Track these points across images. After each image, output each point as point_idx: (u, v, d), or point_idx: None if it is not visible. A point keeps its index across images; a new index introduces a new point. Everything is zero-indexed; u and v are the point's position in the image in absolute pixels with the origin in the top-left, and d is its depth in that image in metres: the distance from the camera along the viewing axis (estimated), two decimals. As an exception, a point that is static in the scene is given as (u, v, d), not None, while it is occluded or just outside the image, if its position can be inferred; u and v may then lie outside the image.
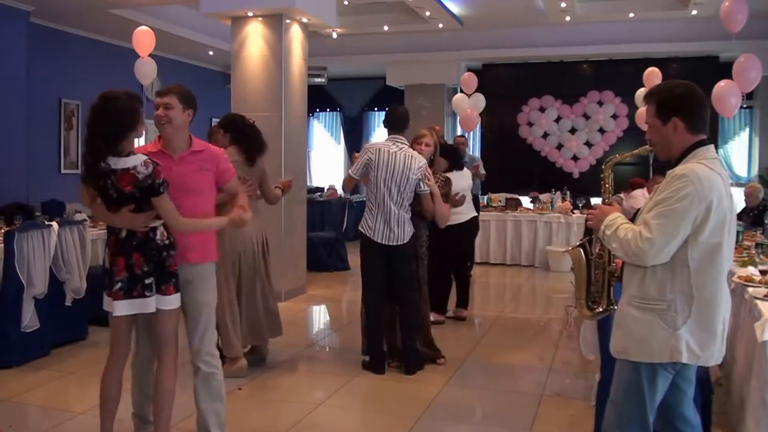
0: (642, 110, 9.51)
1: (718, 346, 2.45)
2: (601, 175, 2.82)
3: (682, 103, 2.48)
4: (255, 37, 7.49)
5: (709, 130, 2.55)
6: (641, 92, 9.29)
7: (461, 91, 10.61)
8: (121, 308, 3.09)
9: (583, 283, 2.88)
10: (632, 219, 2.59)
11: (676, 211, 2.33)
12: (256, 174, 4.79)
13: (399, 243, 4.80)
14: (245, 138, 4.78)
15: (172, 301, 3.19)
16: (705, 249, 2.38)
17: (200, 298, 3.37)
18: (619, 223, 2.49)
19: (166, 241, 3.17)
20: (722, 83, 6.49)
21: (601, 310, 2.85)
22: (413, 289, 4.92)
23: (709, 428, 3.41)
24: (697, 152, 2.45)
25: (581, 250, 2.87)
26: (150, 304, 3.12)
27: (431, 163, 5.12)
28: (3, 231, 5.29)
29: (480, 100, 10.37)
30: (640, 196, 6.78)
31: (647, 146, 2.69)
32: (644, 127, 9.94)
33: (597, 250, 2.82)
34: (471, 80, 10.32)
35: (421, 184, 4.83)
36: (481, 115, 10.61)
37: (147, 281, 3.10)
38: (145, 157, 3.08)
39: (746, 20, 6.47)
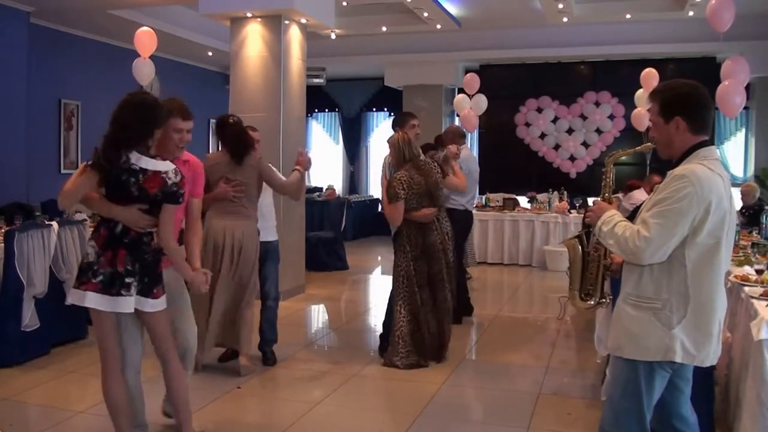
0: (638, 111, 9.56)
1: (714, 347, 2.47)
2: (603, 170, 2.85)
3: (686, 103, 2.48)
4: (254, 38, 7.51)
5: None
6: (640, 93, 9.33)
7: (462, 92, 10.64)
8: (91, 300, 3.04)
9: (577, 274, 2.90)
10: (630, 218, 2.61)
11: (675, 212, 2.34)
12: (247, 174, 4.62)
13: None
14: (227, 138, 4.69)
15: (162, 303, 3.23)
16: (702, 249, 2.39)
17: (182, 293, 3.55)
18: (616, 220, 2.51)
19: (157, 246, 3.20)
20: (726, 83, 6.50)
21: (593, 302, 2.89)
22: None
23: (712, 423, 3.45)
24: (699, 153, 2.46)
25: (577, 242, 2.90)
26: (126, 303, 3.08)
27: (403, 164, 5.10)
28: (3, 231, 5.30)
29: (481, 101, 10.40)
30: (639, 195, 6.81)
31: (650, 143, 2.69)
32: (641, 128, 9.99)
33: (594, 243, 2.84)
34: (473, 81, 10.34)
35: None
36: (479, 116, 10.64)
37: (127, 280, 3.07)
38: (174, 166, 3.15)
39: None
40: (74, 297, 3.11)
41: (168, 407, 3.78)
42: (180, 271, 3.36)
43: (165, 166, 3.10)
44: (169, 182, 3.09)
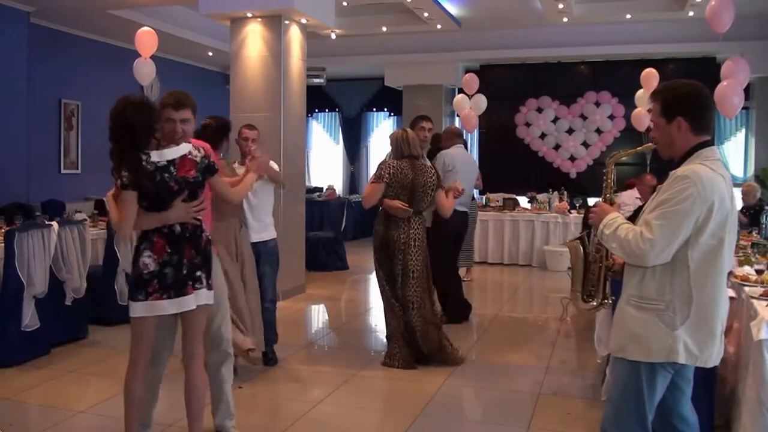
0: (638, 111, 9.55)
1: (718, 348, 2.46)
2: (605, 170, 2.84)
3: (687, 103, 2.48)
4: (254, 38, 7.51)
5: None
6: (640, 93, 9.33)
7: (462, 92, 10.64)
8: (164, 307, 3.04)
9: (579, 276, 2.89)
10: (631, 219, 2.60)
11: (678, 213, 2.34)
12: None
13: None
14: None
15: (213, 296, 3.25)
16: (705, 250, 2.39)
17: (221, 286, 3.53)
18: (618, 222, 2.50)
19: (209, 234, 3.21)
20: (725, 83, 6.49)
21: (595, 303, 2.88)
22: None
23: (712, 423, 3.45)
24: (700, 153, 2.45)
25: (579, 244, 2.89)
26: (198, 297, 3.13)
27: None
28: (3, 231, 5.31)
29: (481, 101, 10.40)
30: (626, 197, 6.79)
31: (651, 143, 2.68)
32: (641, 128, 9.95)
33: (595, 244, 2.84)
34: (472, 81, 10.34)
35: None
36: (479, 115, 10.65)
37: (197, 273, 3.12)
38: (190, 144, 3.16)
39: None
40: (146, 309, 3.05)
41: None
42: (244, 187, 3.71)
43: (184, 148, 3.12)
44: (198, 158, 3.13)
